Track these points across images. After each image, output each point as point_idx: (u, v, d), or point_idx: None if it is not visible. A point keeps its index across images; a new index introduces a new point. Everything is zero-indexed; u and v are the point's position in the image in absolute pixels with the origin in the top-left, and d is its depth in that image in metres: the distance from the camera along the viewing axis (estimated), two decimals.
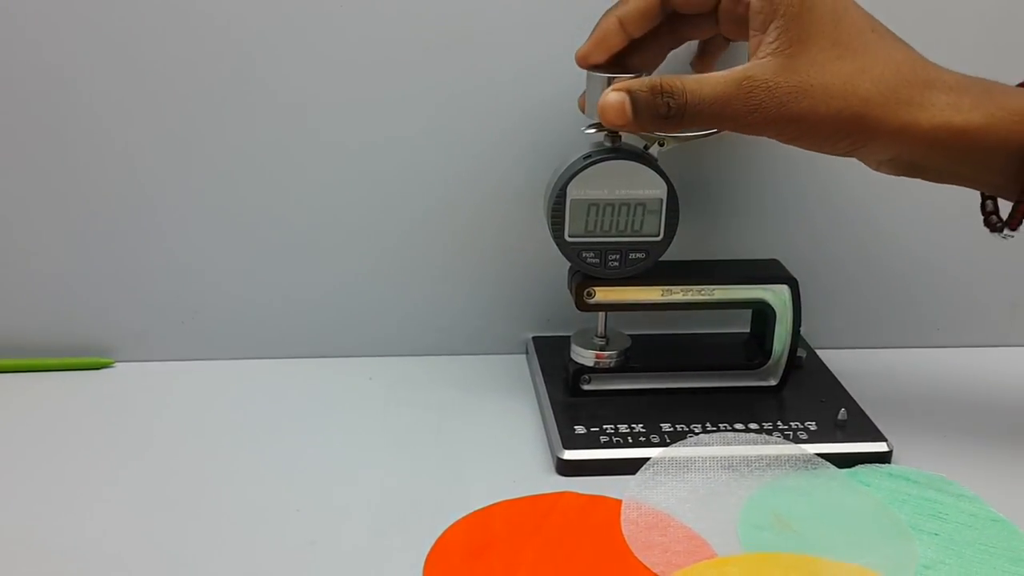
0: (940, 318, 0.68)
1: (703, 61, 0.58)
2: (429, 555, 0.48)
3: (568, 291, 0.59)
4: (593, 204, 0.55)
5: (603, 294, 0.58)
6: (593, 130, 0.54)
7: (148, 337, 0.65)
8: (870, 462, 0.54)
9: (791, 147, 0.62)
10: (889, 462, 0.55)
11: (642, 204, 0.55)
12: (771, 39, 0.49)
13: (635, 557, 0.48)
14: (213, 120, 0.61)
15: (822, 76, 0.49)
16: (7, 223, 0.62)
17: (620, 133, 0.55)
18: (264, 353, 0.66)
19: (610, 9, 0.54)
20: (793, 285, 0.58)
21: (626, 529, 0.50)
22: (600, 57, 0.55)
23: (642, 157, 0.55)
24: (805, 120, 0.49)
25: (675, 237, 0.56)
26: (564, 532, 0.50)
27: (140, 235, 0.63)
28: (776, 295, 0.58)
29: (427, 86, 0.61)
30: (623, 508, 0.51)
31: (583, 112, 0.56)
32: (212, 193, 0.62)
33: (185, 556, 0.48)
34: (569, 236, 0.55)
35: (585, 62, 0.55)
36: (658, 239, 0.56)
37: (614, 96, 0.50)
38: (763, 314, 0.60)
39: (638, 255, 0.56)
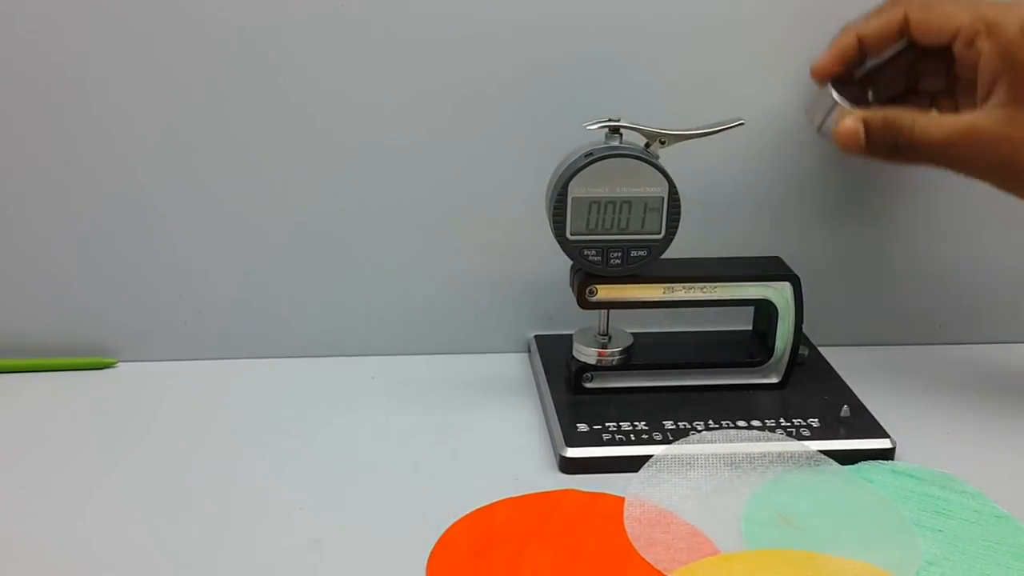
0: (944, 315, 0.68)
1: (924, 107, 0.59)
2: (432, 553, 0.48)
3: (570, 289, 0.59)
4: (595, 202, 0.55)
5: (605, 292, 0.57)
6: (596, 126, 0.54)
7: (151, 337, 0.65)
8: (873, 459, 0.54)
9: (794, 146, 0.63)
10: (892, 459, 0.55)
11: (643, 202, 0.55)
12: (1000, 91, 0.52)
13: (638, 554, 0.48)
14: (215, 121, 0.61)
15: None
16: (10, 224, 0.62)
17: (621, 131, 0.55)
18: (266, 352, 0.66)
19: (849, 25, 0.56)
20: (795, 282, 0.58)
21: (629, 527, 0.50)
22: (836, 68, 0.57)
23: (643, 155, 0.55)
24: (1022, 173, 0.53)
25: (677, 235, 0.56)
26: (567, 530, 0.50)
27: (143, 236, 0.63)
28: (778, 292, 0.58)
29: (430, 86, 0.61)
30: (626, 506, 0.51)
31: (810, 122, 0.59)
32: (215, 193, 0.62)
33: (188, 554, 0.48)
34: (571, 234, 0.55)
35: (821, 74, 0.57)
36: (660, 237, 0.56)
37: (850, 123, 0.54)
38: (765, 312, 0.60)
39: (640, 253, 0.56)
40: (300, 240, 0.64)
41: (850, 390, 0.60)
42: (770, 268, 0.59)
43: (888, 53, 0.58)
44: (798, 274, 0.58)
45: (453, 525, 0.50)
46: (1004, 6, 0.52)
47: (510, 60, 0.61)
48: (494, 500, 0.52)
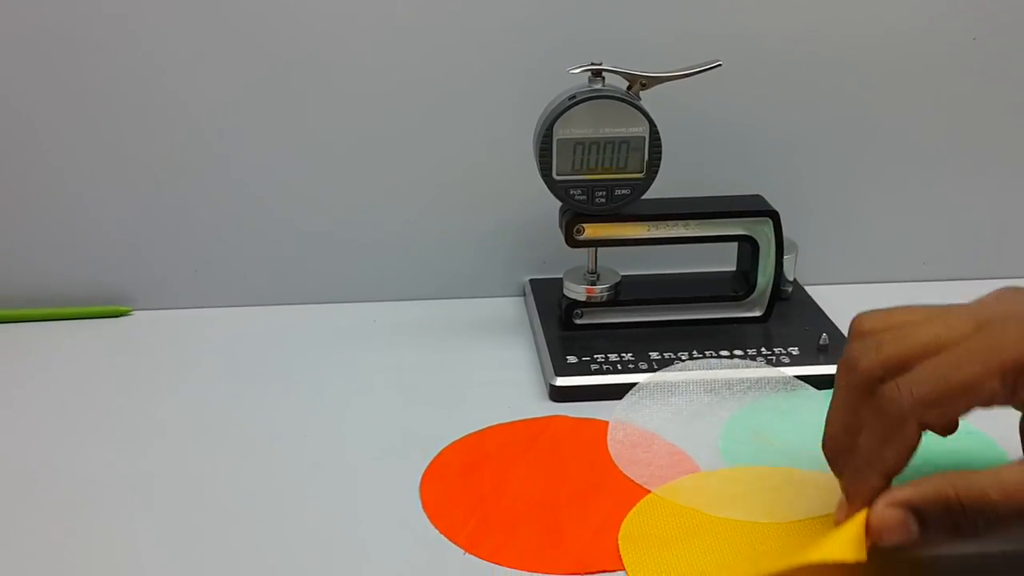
0: (927, 252, 0.70)
1: None
2: (425, 472, 0.51)
3: (560, 230, 0.61)
4: (579, 143, 0.57)
5: (592, 230, 0.60)
6: (579, 69, 0.56)
7: (164, 286, 0.68)
8: None
9: (774, 86, 0.64)
10: None
11: (626, 142, 0.57)
12: None
13: (622, 474, 0.50)
14: (222, 76, 0.63)
15: None
16: (26, 178, 0.65)
17: (603, 74, 0.57)
18: (273, 300, 0.69)
19: (860, 466, 0.42)
20: (775, 218, 0.60)
21: (612, 448, 0.52)
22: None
23: (625, 96, 0.57)
24: None
25: (660, 174, 0.58)
26: (554, 451, 0.52)
27: (156, 187, 0.66)
28: (759, 228, 0.60)
29: (420, 39, 0.63)
30: (610, 429, 0.53)
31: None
32: (222, 145, 0.65)
33: (204, 478, 0.51)
34: (557, 174, 0.58)
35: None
36: (642, 176, 0.58)
37: (892, 515, 0.39)
38: (747, 250, 0.62)
39: (623, 191, 0.58)
40: (303, 192, 0.67)
41: (831, 322, 0.62)
42: (751, 205, 0.61)
43: None
44: (779, 212, 0.60)
45: (446, 447, 0.52)
46: (1012, 333, 0.40)
47: (496, 11, 0.63)
48: (486, 426, 0.54)
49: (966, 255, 0.70)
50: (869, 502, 0.40)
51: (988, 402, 0.40)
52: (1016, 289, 0.44)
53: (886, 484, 0.41)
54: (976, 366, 0.40)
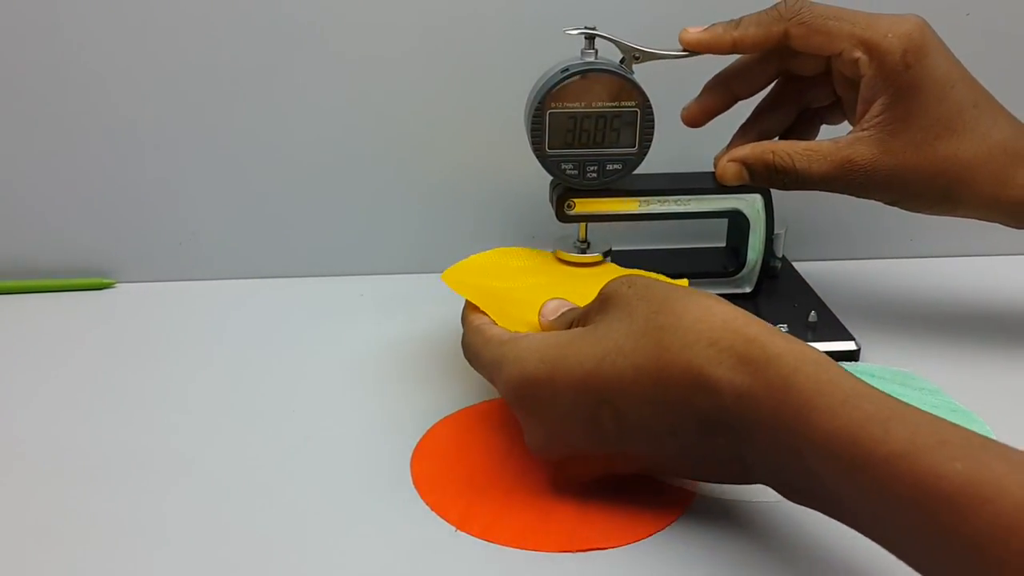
0: (913, 229, 0.70)
1: (813, 123, 0.61)
2: (416, 448, 0.50)
3: (550, 205, 0.61)
4: (571, 116, 0.56)
5: (582, 205, 0.59)
6: (575, 31, 0.55)
7: (148, 258, 0.68)
8: (839, 360, 0.55)
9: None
10: (857, 360, 0.57)
11: (618, 116, 0.56)
12: (876, 112, 0.53)
13: None
14: (204, 46, 0.62)
15: (917, 157, 0.53)
16: (9, 150, 0.64)
17: (595, 42, 0.56)
18: (258, 273, 0.68)
19: (727, 23, 0.56)
20: (766, 194, 0.59)
21: None
22: (705, 120, 0.59)
23: (618, 70, 0.56)
24: (899, 193, 0.55)
25: (652, 149, 0.57)
26: None
27: (138, 159, 0.65)
28: (749, 204, 0.60)
29: (412, 8, 0.63)
30: None
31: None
32: (207, 117, 0.64)
33: (189, 457, 0.50)
34: (548, 148, 0.57)
35: (690, 123, 0.59)
36: (634, 151, 0.57)
37: (732, 167, 0.57)
38: (737, 226, 0.62)
39: (615, 166, 0.58)
40: (290, 164, 0.66)
41: (819, 299, 0.62)
42: None
43: (769, 87, 0.59)
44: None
45: (436, 424, 0.52)
46: (883, 27, 0.52)
47: None
48: (475, 403, 0.54)
49: (952, 232, 0.70)
50: (713, 40, 0.55)
51: (835, 52, 0.54)
52: (919, 17, 0.53)
53: (731, 45, 0.55)
54: (844, 24, 0.53)
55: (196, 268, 0.68)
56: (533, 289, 0.55)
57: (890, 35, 0.52)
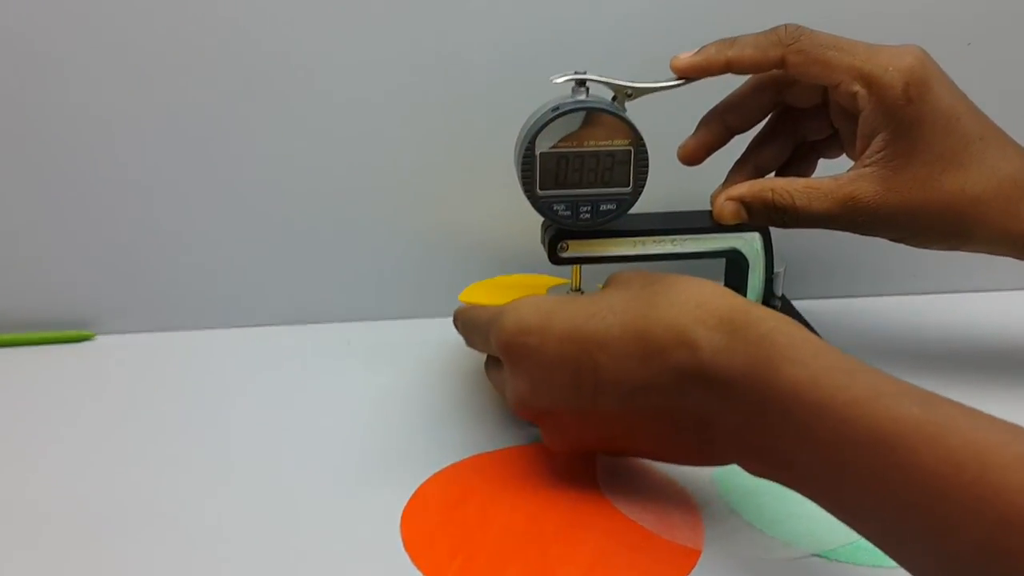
0: (917, 265, 0.68)
1: (810, 158, 0.59)
2: (406, 507, 0.48)
3: (542, 247, 0.59)
4: (562, 157, 0.54)
5: (576, 247, 0.57)
6: (562, 79, 0.54)
7: (127, 309, 0.65)
8: None
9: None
10: None
11: (611, 155, 0.55)
12: (877, 147, 0.51)
13: (614, 507, 0.48)
14: (184, 90, 0.61)
15: (923, 193, 0.51)
16: None
17: (587, 84, 0.55)
18: (242, 322, 0.66)
19: (722, 42, 0.54)
20: (764, 232, 0.58)
21: (603, 480, 0.50)
22: (703, 157, 0.57)
23: (610, 108, 0.54)
24: (905, 231, 0.53)
25: (646, 188, 0.55)
26: (540, 483, 0.50)
27: (116, 208, 0.63)
28: (748, 243, 0.58)
29: (396, 50, 0.61)
30: (599, 458, 0.51)
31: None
32: (186, 164, 0.63)
33: (167, 513, 0.48)
34: (540, 190, 0.55)
35: (686, 160, 0.57)
36: (628, 190, 0.55)
37: (730, 206, 0.55)
38: (736, 264, 0.60)
39: (609, 207, 0.56)
40: (271, 209, 0.64)
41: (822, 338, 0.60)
42: None
43: (765, 120, 0.57)
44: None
45: (427, 480, 0.50)
46: (883, 59, 0.50)
47: (476, 20, 0.60)
48: (468, 456, 0.52)
49: (958, 267, 0.68)
50: (706, 61, 0.54)
51: (833, 84, 0.52)
52: (919, 48, 0.52)
53: (725, 65, 0.53)
54: (844, 56, 0.52)
55: (177, 318, 0.66)
56: None
57: (891, 69, 0.50)
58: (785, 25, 0.53)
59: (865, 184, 0.51)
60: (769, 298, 0.60)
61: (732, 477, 0.49)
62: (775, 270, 0.60)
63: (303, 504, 0.49)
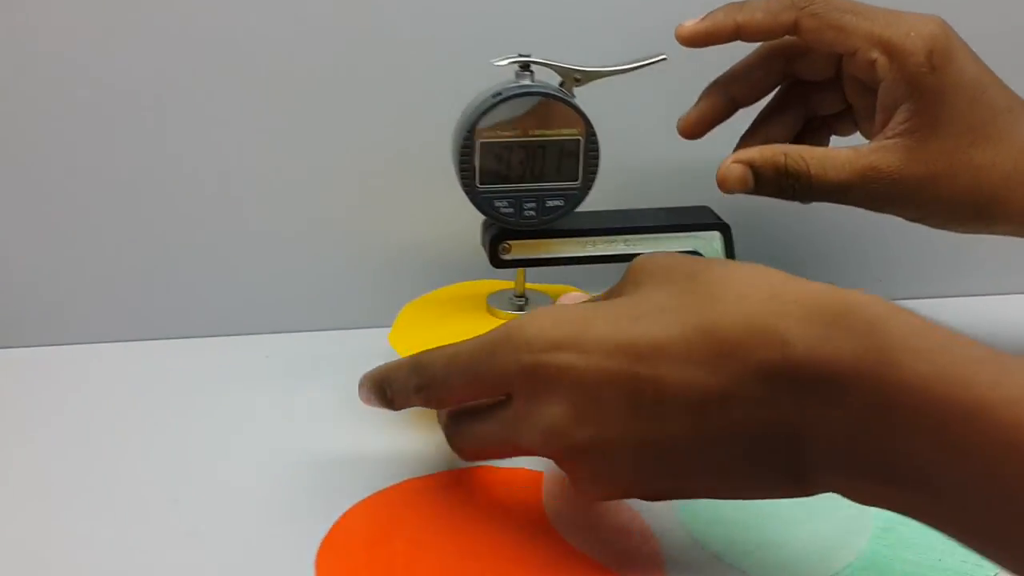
0: (881, 269, 0.65)
1: (822, 134, 0.55)
2: (322, 544, 0.42)
3: (482, 248, 0.54)
4: (505, 147, 0.50)
5: (520, 249, 0.53)
6: (504, 61, 0.50)
7: (21, 322, 0.59)
8: None
9: None
10: None
11: (559, 146, 0.50)
12: (901, 119, 0.48)
13: (562, 538, 0.43)
14: (103, 98, 0.55)
15: (950, 166, 0.48)
16: None
17: (531, 68, 0.50)
18: (145, 334, 0.60)
19: (731, 5, 0.50)
20: (725, 231, 0.54)
21: (549, 506, 0.45)
22: (704, 128, 0.53)
23: (557, 93, 0.50)
24: (929, 208, 0.49)
25: (596, 183, 0.52)
26: (479, 511, 0.45)
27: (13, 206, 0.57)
28: (707, 243, 0.54)
29: (334, 42, 0.56)
30: (545, 482, 0.46)
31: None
32: (91, 152, 0.57)
33: (52, 551, 0.43)
34: (480, 183, 0.51)
35: (688, 133, 0.53)
36: (577, 184, 0.51)
37: (737, 169, 0.49)
38: None
39: (556, 203, 0.51)
40: (182, 204, 0.58)
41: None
42: (698, 217, 0.55)
43: (774, 91, 0.54)
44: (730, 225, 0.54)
45: (348, 511, 0.44)
46: (904, 26, 0.48)
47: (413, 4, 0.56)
48: (396, 482, 0.46)
49: (921, 272, 0.66)
50: (714, 27, 0.50)
51: (850, 51, 0.49)
52: (941, 19, 0.48)
53: (734, 30, 0.49)
54: (863, 21, 0.48)
55: (73, 331, 0.59)
56: None
57: (912, 34, 0.47)
58: None
59: (888, 155, 0.48)
60: None
61: (696, 505, 0.45)
62: None
63: (206, 538, 0.43)
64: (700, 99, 0.53)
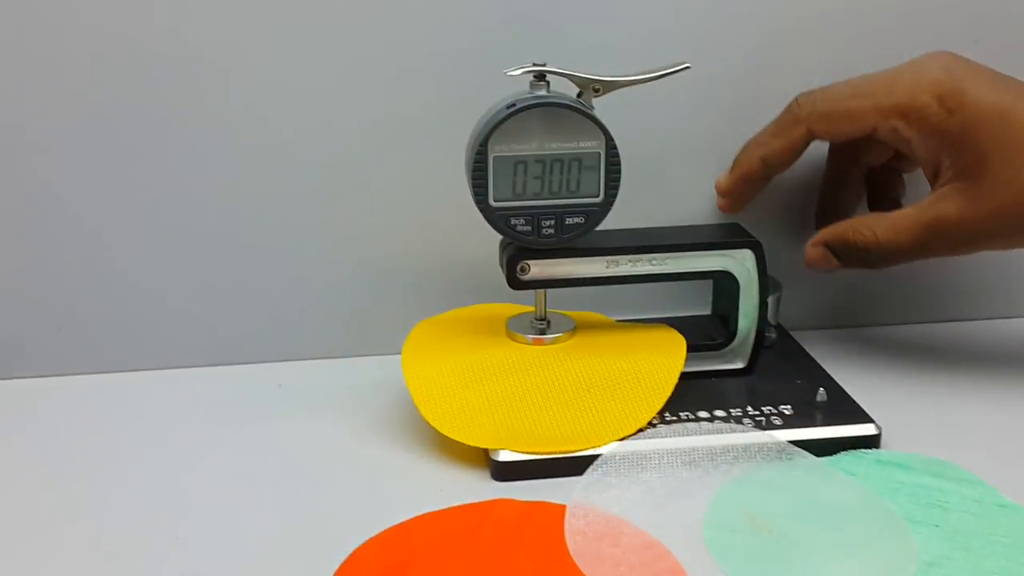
0: (915, 293, 0.63)
1: (892, 180, 0.58)
2: None
3: (500, 269, 0.52)
4: (520, 161, 0.48)
5: (539, 269, 0.51)
6: (519, 71, 0.48)
7: (19, 349, 0.58)
8: (856, 447, 0.48)
9: (753, 93, 0.58)
10: (878, 446, 0.49)
11: (577, 159, 0.49)
12: (946, 166, 0.50)
13: (582, 573, 0.40)
14: (89, 115, 0.55)
15: (1012, 193, 0.49)
16: None
17: (547, 78, 0.48)
18: (151, 364, 0.59)
19: (750, 144, 0.55)
20: (757, 249, 0.52)
21: (571, 541, 0.42)
22: (739, 188, 0.55)
23: (575, 104, 0.48)
24: (1004, 237, 0.51)
25: (618, 197, 0.50)
26: (498, 546, 0.42)
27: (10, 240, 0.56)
28: (739, 262, 0.52)
29: (339, 58, 0.55)
30: (567, 515, 0.44)
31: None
32: (88, 184, 0.56)
33: None
34: (494, 200, 0.49)
35: (725, 194, 0.56)
36: (598, 200, 0.49)
37: (817, 251, 0.54)
38: (725, 289, 0.54)
39: (576, 220, 0.50)
40: (188, 236, 0.57)
41: (826, 373, 0.54)
42: (728, 235, 0.53)
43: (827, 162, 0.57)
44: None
45: (362, 545, 0.42)
46: (906, 85, 0.50)
47: (421, 13, 0.54)
48: (412, 515, 0.44)
49: (955, 295, 0.64)
50: (745, 173, 0.55)
51: (869, 131, 0.52)
52: (942, 53, 0.52)
53: (763, 166, 0.54)
54: (866, 100, 0.51)
55: (76, 360, 0.58)
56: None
57: (917, 91, 0.50)
58: (795, 98, 0.53)
59: (948, 203, 0.50)
60: (764, 327, 0.53)
61: (724, 535, 0.42)
62: (769, 295, 0.54)
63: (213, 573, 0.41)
64: (733, 179, 0.55)
